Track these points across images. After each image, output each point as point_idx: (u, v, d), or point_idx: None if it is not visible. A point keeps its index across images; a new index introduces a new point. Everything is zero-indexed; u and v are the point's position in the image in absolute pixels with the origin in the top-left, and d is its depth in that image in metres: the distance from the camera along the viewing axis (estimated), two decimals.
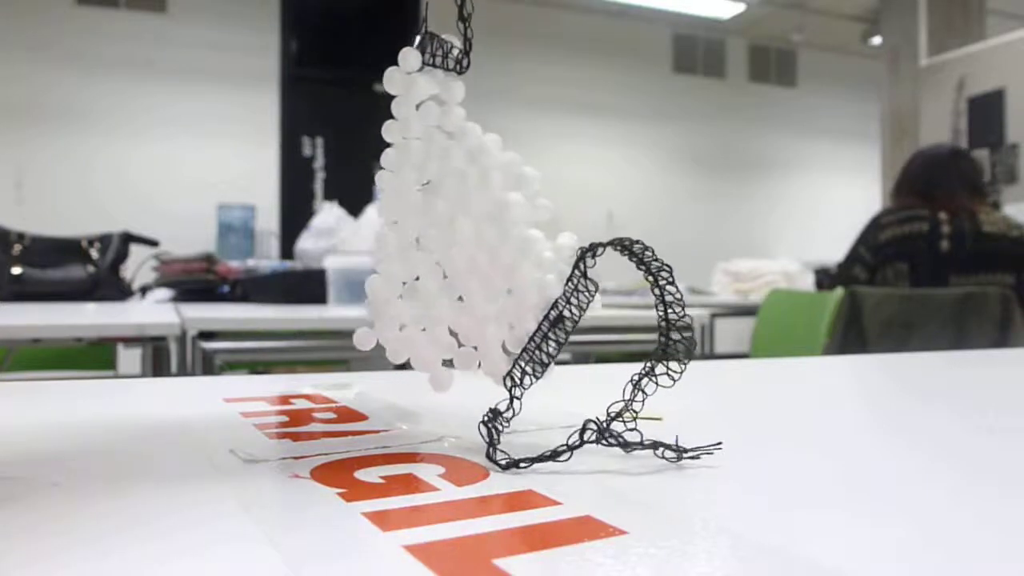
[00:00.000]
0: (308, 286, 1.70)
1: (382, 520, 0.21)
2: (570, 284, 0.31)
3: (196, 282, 1.90)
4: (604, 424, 0.29)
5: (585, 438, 0.28)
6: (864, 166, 7.91)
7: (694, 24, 7.42)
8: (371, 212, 2.12)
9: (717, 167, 7.83)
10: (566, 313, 0.31)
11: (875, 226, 2.02)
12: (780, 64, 8.18)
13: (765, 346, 2.45)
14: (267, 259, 3.24)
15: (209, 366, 1.17)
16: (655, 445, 0.28)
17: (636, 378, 0.29)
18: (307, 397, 0.43)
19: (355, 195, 3.58)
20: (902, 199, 2.03)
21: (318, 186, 4.77)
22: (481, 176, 0.33)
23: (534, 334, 0.31)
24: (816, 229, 7.96)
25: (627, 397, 0.30)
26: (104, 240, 2.16)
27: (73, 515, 0.22)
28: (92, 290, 2.08)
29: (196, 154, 5.81)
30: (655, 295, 0.30)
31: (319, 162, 4.79)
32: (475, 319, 0.33)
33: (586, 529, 0.21)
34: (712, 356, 2.89)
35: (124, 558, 0.19)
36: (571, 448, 0.28)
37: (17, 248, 2.07)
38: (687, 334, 0.29)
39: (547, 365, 0.31)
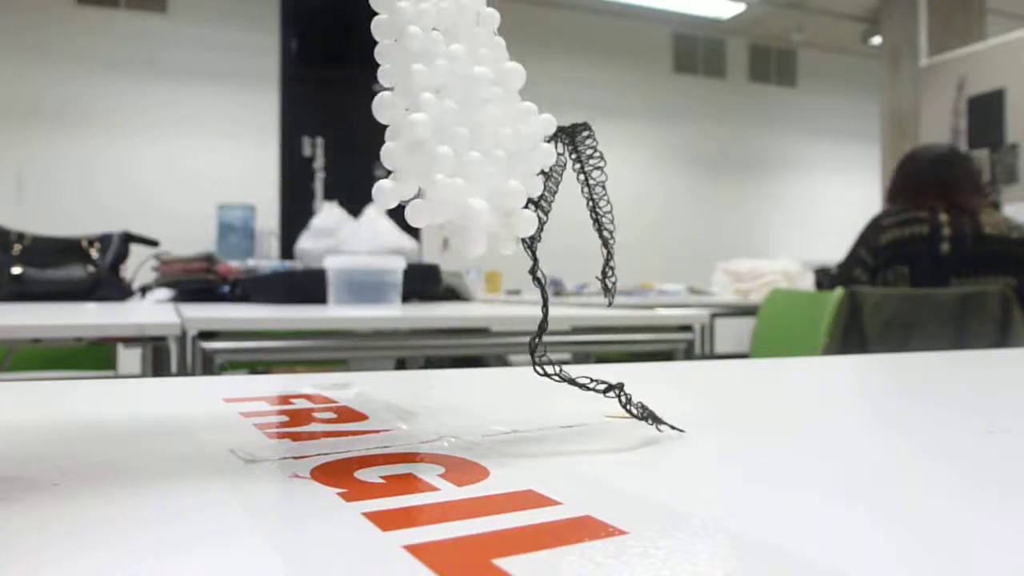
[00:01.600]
0: (308, 286, 1.70)
1: (382, 520, 0.21)
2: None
3: (196, 282, 1.90)
4: (626, 392, 0.32)
5: (608, 394, 0.32)
6: (864, 166, 7.92)
7: (694, 24, 7.42)
8: (371, 212, 2.13)
9: (717, 167, 7.83)
10: (548, 184, 0.33)
11: (875, 228, 2.02)
12: (780, 64, 8.19)
13: (765, 346, 2.45)
14: (267, 259, 3.25)
15: (209, 366, 1.17)
16: (647, 417, 0.32)
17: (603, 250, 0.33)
18: (307, 397, 0.43)
19: (355, 195, 3.59)
20: (902, 200, 2.03)
21: (318, 186, 4.77)
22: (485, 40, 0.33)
23: (529, 201, 0.32)
24: (816, 229, 7.96)
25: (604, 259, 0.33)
26: (104, 240, 2.16)
27: (73, 515, 0.22)
28: (92, 290, 2.08)
29: (196, 154, 5.81)
30: (579, 181, 0.33)
31: (319, 162, 4.79)
32: (496, 181, 0.31)
33: (586, 529, 0.21)
34: (712, 356, 2.89)
35: (124, 558, 0.19)
36: (591, 389, 0.32)
37: (17, 248, 2.07)
38: (608, 215, 0.32)
39: (541, 231, 0.32)
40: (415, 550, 0.19)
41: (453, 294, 2.04)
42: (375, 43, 0.32)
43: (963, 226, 1.91)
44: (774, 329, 2.45)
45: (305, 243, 2.11)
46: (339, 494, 0.24)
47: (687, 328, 1.47)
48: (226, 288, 1.91)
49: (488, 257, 0.34)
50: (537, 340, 0.31)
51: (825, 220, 7.98)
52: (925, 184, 1.99)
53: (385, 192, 0.30)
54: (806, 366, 0.69)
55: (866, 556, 0.19)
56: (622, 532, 0.20)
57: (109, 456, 0.30)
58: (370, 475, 0.26)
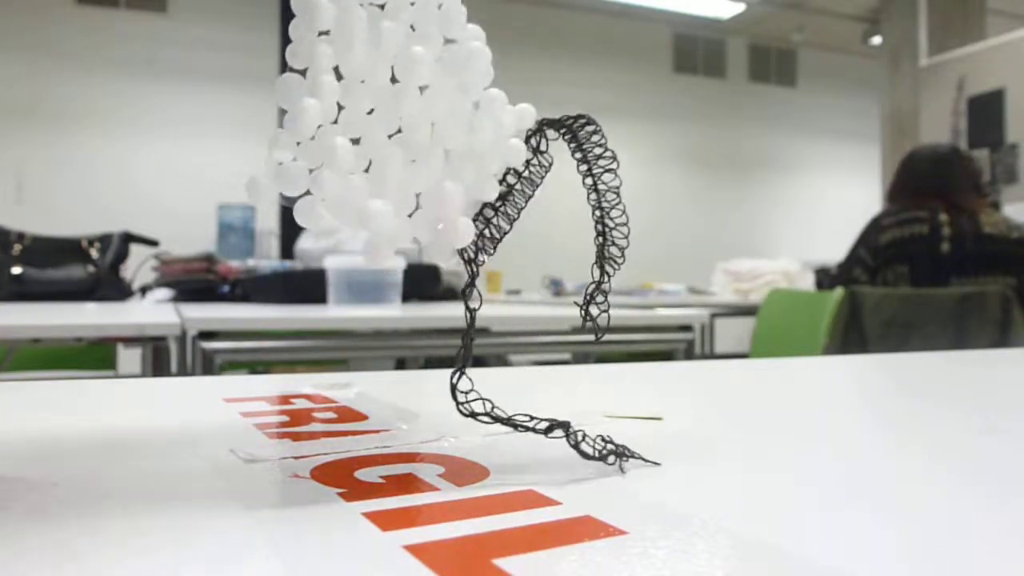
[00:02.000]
0: (308, 286, 1.70)
1: (382, 520, 0.21)
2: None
3: (196, 282, 1.90)
4: (574, 430, 0.27)
5: (550, 434, 0.27)
6: (864, 166, 7.92)
7: (694, 24, 7.42)
8: None
9: (717, 167, 7.83)
10: (518, 186, 0.28)
11: (875, 228, 2.02)
12: (780, 64, 8.19)
13: (765, 346, 2.45)
14: (267, 259, 3.24)
15: (209, 366, 1.17)
16: (604, 457, 0.27)
17: (597, 271, 0.28)
18: (307, 397, 0.43)
19: None
20: (903, 200, 2.03)
21: None
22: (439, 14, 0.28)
23: (484, 207, 0.28)
24: (816, 229, 7.96)
25: (593, 286, 0.28)
26: (104, 240, 2.16)
27: (72, 515, 0.22)
28: (92, 290, 2.08)
29: (196, 154, 5.81)
30: (586, 186, 0.27)
31: None
32: (427, 182, 0.27)
33: (586, 529, 0.21)
34: (712, 356, 2.89)
35: (123, 557, 0.19)
36: (529, 429, 0.27)
37: (17, 248, 2.07)
38: (622, 232, 0.27)
39: (498, 241, 0.28)
40: (415, 550, 0.19)
41: (453, 294, 2.04)
42: None
43: (963, 226, 1.91)
44: (774, 329, 2.45)
45: (305, 243, 2.11)
46: (339, 494, 0.24)
47: (687, 328, 1.47)
48: (226, 288, 1.91)
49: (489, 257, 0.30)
50: (457, 376, 0.27)
51: (825, 220, 7.98)
52: (925, 184, 1.99)
53: (258, 187, 0.26)
54: (806, 366, 0.69)
55: (866, 556, 0.19)
56: (622, 532, 0.20)
57: (109, 456, 0.30)
58: (370, 475, 0.26)
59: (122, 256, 2.17)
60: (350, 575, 0.18)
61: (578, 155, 0.28)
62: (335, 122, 0.27)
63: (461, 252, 0.27)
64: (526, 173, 0.28)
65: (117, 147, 5.66)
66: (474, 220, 0.27)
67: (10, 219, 2.26)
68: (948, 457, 0.32)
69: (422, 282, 1.88)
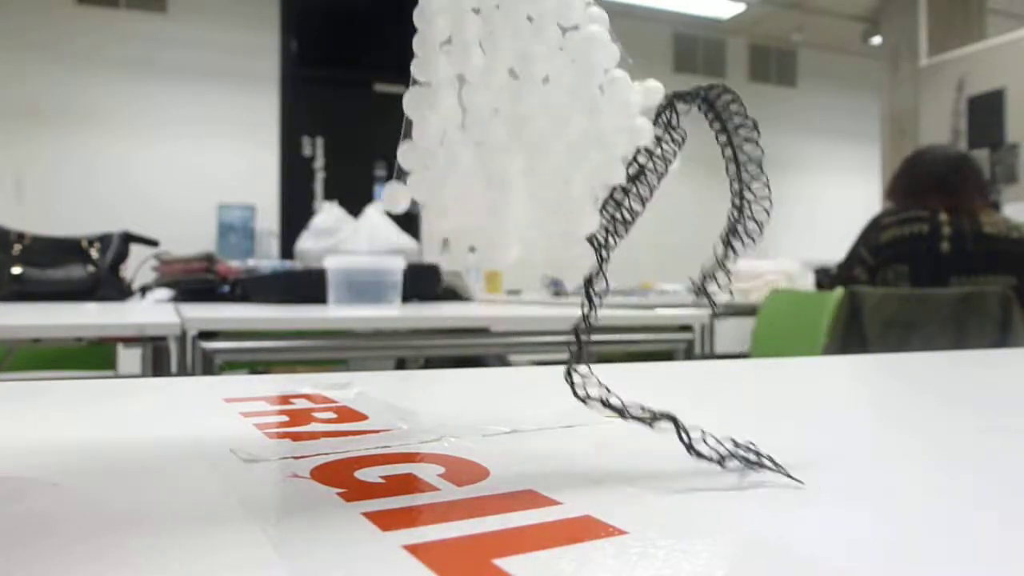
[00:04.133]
0: (308, 286, 1.70)
1: (382, 520, 0.21)
2: (655, 133, 0.27)
3: (196, 282, 1.90)
4: (683, 426, 0.26)
5: (656, 425, 0.26)
6: (864, 166, 7.92)
7: (694, 24, 7.42)
8: (371, 212, 2.12)
9: (717, 167, 7.79)
10: (649, 165, 0.27)
11: (875, 227, 2.02)
12: (780, 64, 8.19)
13: (765, 346, 2.45)
14: (267, 259, 3.24)
15: (209, 366, 1.17)
16: (723, 460, 0.25)
17: (721, 248, 0.26)
18: (307, 397, 0.43)
19: (355, 195, 3.59)
20: (903, 199, 2.03)
21: (318, 186, 4.78)
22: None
23: (615, 189, 0.26)
24: (816, 229, 7.96)
25: (715, 262, 0.26)
26: (104, 240, 2.16)
27: (72, 515, 0.22)
28: (92, 290, 2.08)
29: (196, 154, 5.81)
30: (725, 157, 0.26)
31: (319, 162, 4.79)
32: (549, 171, 0.26)
33: (586, 529, 0.21)
34: (712, 356, 2.89)
35: (123, 557, 0.19)
36: (639, 420, 0.26)
37: (17, 248, 2.07)
38: (764, 206, 0.25)
39: (631, 224, 0.26)
40: (415, 550, 0.19)
41: (453, 294, 2.04)
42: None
43: (963, 226, 1.91)
44: (774, 329, 2.45)
45: (305, 243, 2.11)
46: (339, 494, 0.24)
47: (687, 328, 1.47)
48: (226, 288, 1.91)
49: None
50: (573, 360, 0.26)
51: (825, 220, 7.98)
52: (930, 185, 1.98)
53: (394, 195, 0.26)
54: (806, 366, 0.69)
55: (866, 556, 0.19)
56: (622, 532, 0.20)
57: (109, 456, 0.30)
58: (370, 475, 0.26)
59: (122, 256, 2.17)
60: (350, 575, 0.18)
61: (716, 125, 0.26)
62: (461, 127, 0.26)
63: (591, 238, 0.26)
64: (657, 151, 0.27)
65: (117, 147, 5.66)
66: (604, 204, 0.26)
67: (10, 219, 2.26)
68: (948, 457, 0.32)
69: (422, 282, 1.88)
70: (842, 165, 8.43)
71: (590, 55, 0.27)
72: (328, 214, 2.15)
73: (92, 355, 2.24)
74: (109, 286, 2.10)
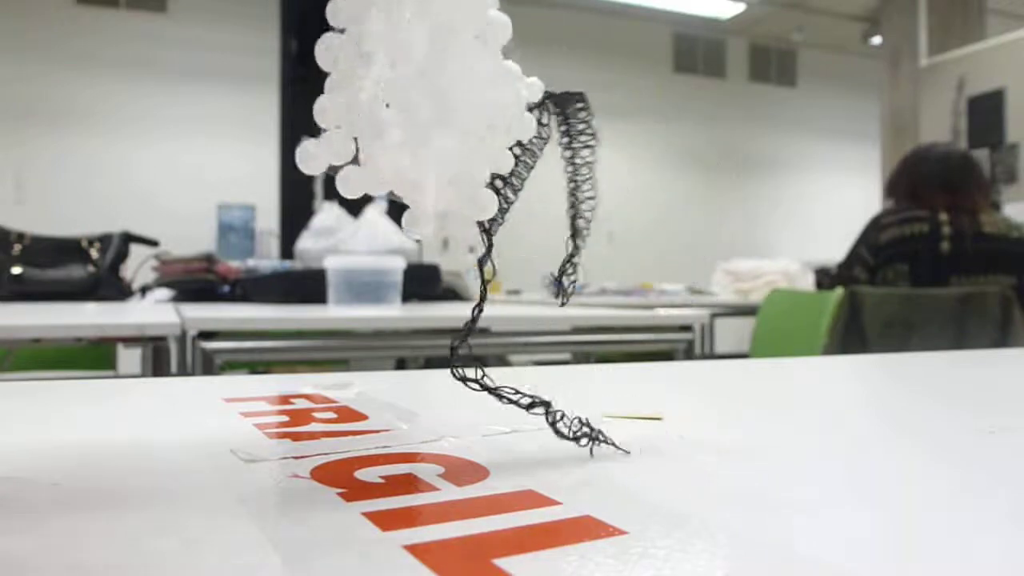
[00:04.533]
0: (308, 286, 1.70)
1: (382, 520, 0.21)
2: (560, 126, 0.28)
3: (196, 282, 1.90)
4: (554, 410, 0.28)
5: (532, 410, 0.28)
6: (864, 166, 7.92)
7: (694, 24, 7.42)
8: (371, 212, 2.12)
9: (717, 167, 7.83)
10: (522, 158, 0.28)
11: (875, 226, 2.02)
12: (780, 64, 8.19)
13: (765, 346, 2.45)
14: (267, 259, 3.24)
15: (209, 366, 1.17)
16: (578, 438, 0.28)
17: (569, 238, 0.29)
18: (307, 397, 0.43)
19: None
20: (903, 198, 2.02)
21: (318, 186, 4.78)
22: None
23: (494, 178, 0.28)
24: (816, 229, 7.96)
25: (565, 258, 0.29)
26: (104, 240, 2.16)
27: (72, 515, 0.22)
28: (92, 290, 2.08)
29: (196, 154, 5.81)
30: (563, 158, 0.28)
31: None
32: (460, 150, 0.26)
33: (586, 529, 0.21)
34: (712, 356, 2.89)
35: (123, 557, 0.19)
36: (512, 403, 0.27)
37: (17, 248, 2.07)
38: (589, 206, 0.28)
39: (506, 212, 0.28)
40: (415, 550, 0.19)
41: (453, 294, 2.04)
42: None
43: (963, 225, 1.91)
44: (774, 329, 2.45)
45: (305, 243, 2.11)
46: (339, 494, 0.24)
47: (687, 328, 1.47)
48: (226, 288, 1.90)
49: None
50: (458, 341, 0.27)
51: (825, 220, 7.98)
52: (933, 183, 1.98)
53: (309, 153, 0.26)
54: (806, 366, 0.69)
55: (866, 556, 0.19)
56: (622, 532, 0.20)
57: (109, 456, 0.30)
58: (370, 475, 0.26)
59: (122, 256, 2.17)
60: (350, 575, 0.18)
61: (563, 127, 0.28)
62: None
63: (479, 223, 0.27)
64: (528, 145, 0.28)
65: (117, 147, 5.66)
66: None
67: (10, 219, 2.26)
68: (948, 457, 0.32)
69: (422, 282, 1.88)
70: (842, 165, 8.43)
71: (499, 38, 0.27)
72: (328, 214, 2.15)
73: (92, 355, 2.24)
74: (109, 286, 2.10)
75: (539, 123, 0.28)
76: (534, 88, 0.28)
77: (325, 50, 0.26)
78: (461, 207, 0.27)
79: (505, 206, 0.27)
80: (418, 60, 0.26)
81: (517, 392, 0.28)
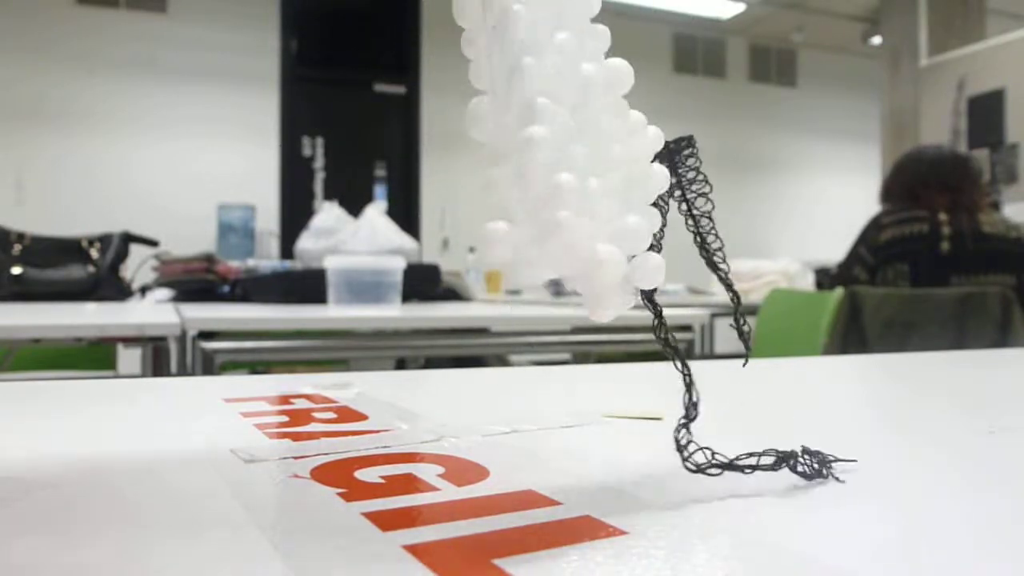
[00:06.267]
0: (308, 286, 1.70)
1: (382, 520, 0.21)
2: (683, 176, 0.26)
3: (196, 282, 1.90)
4: (806, 457, 0.26)
5: (779, 467, 0.26)
6: (864, 166, 7.91)
7: (694, 24, 7.42)
8: (371, 212, 2.12)
9: (717, 167, 7.83)
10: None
11: (875, 226, 2.02)
12: (780, 64, 8.18)
13: (765, 346, 2.45)
14: (267, 259, 3.24)
15: (209, 366, 1.17)
16: (815, 473, 0.26)
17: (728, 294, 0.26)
18: (307, 397, 0.43)
19: (355, 195, 3.58)
20: (900, 200, 2.02)
21: (318, 186, 4.78)
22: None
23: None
24: (816, 229, 7.96)
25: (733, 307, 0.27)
26: (104, 240, 2.16)
27: (72, 515, 0.22)
28: (92, 290, 2.08)
29: (196, 154, 5.81)
30: (681, 212, 0.26)
31: (319, 162, 4.79)
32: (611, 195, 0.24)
33: (586, 529, 0.21)
34: (712, 356, 2.89)
35: (123, 557, 0.19)
36: (756, 468, 0.25)
37: (17, 248, 2.07)
38: (720, 257, 0.26)
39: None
40: (415, 550, 0.19)
41: (453, 294, 2.04)
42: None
43: (962, 225, 1.91)
44: (774, 329, 2.45)
45: (305, 243, 2.11)
46: (339, 494, 0.24)
47: (687, 328, 1.47)
48: (226, 288, 1.90)
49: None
50: (685, 426, 0.25)
51: (825, 220, 7.98)
52: (930, 184, 1.98)
53: (499, 239, 0.22)
54: (806, 366, 0.69)
55: (867, 556, 0.19)
56: (622, 532, 0.20)
57: (109, 456, 0.30)
58: (370, 475, 0.26)
59: (122, 256, 2.16)
60: (350, 575, 0.18)
61: (673, 179, 0.26)
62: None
63: (643, 293, 0.25)
64: (660, 203, 0.26)
65: (117, 147, 5.66)
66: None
67: (10, 219, 2.26)
68: (949, 456, 0.32)
69: (422, 282, 1.88)
70: (842, 165, 8.43)
71: (621, 89, 0.25)
72: (328, 214, 2.15)
73: (92, 355, 2.24)
74: (109, 286, 2.10)
75: (680, 169, 0.26)
76: (657, 139, 0.26)
77: (476, 118, 0.24)
78: (635, 280, 0.24)
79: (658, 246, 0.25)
80: (568, 111, 0.23)
81: (752, 455, 0.26)
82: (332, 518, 0.22)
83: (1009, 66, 4.38)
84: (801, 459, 0.26)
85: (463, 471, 0.27)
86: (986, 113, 4.47)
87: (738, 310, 0.27)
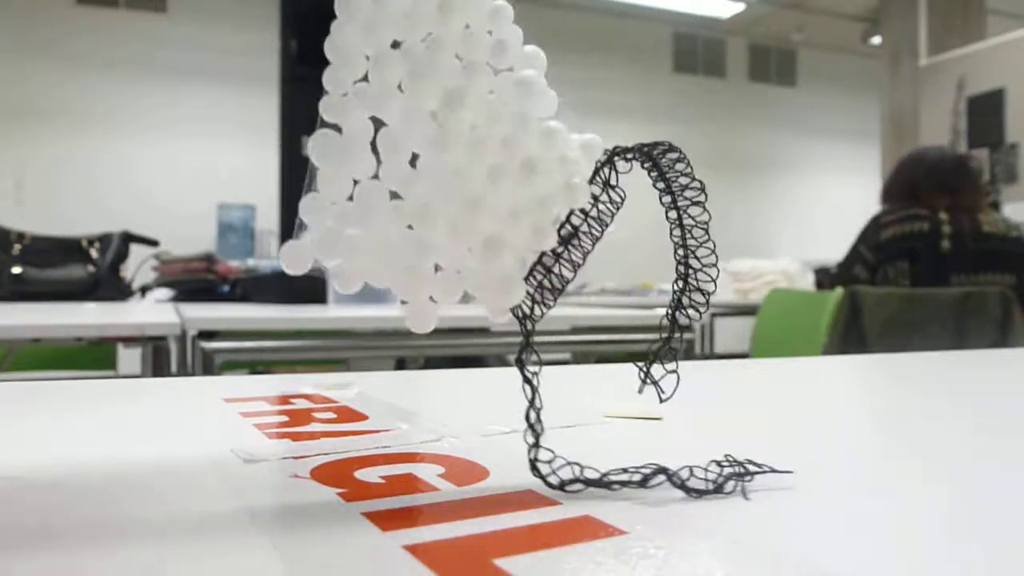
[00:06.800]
0: (308, 286, 1.70)
1: (382, 520, 0.21)
2: (592, 192, 0.24)
3: (196, 282, 1.90)
4: (673, 472, 0.24)
5: (650, 483, 0.24)
6: (864, 166, 7.92)
7: (694, 24, 7.42)
8: None
9: (717, 167, 7.83)
10: (583, 228, 0.24)
11: (875, 225, 2.02)
12: (780, 64, 8.19)
13: (765, 346, 2.45)
14: (267, 259, 3.24)
15: (209, 366, 1.17)
16: (720, 487, 0.24)
17: (667, 319, 0.25)
18: (307, 397, 0.43)
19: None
20: (900, 200, 2.02)
21: None
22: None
23: (543, 255, 0.24)
24: (816, 229, 7.96)
25: (658, 346, 0.25)
26: (104, 240, 2.16)
27: (72, 515, 0.22)
28: (92, 290, 2.08)
29: (196, 154, 5.81)
30: (669, 220, 0.24)
31: None
32: (477, 233, 0.23)
33: (586, 529, 0.21)
34: (712, 356, 2.89)
35: (123, 557, 0.19)
36: (626, 484, 0.24)
37: (17, 248, 2.07)
38: (710, 276, 0.24)
39: (560, 292, 0.24)
40: (415, 550, 0.19)
41: None
42: None
43: (962, 224, 1.92)
44: (774, 329, 2.45)
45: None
46: (339, 494, 0.24)
47: (687, 328, 1.47)
48: (226, 288, 1.90)
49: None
50: (533, 450, 0.23)
51: (825, 220, 7.98)
52: (930, 185, 1.98)
53: (296, 255, 0.23)
54: (806, 366, 0.69)
55: (867, 556, 0.19)
56: (622, 532, 0.20)
57: (109, 456, 0.30)
58: (370, 475, 0.26)
59: (122, 256, 2.16)
60: (350, 575, 0.18)
61: (660, 185, 0.24)
62: (375, 177, 0.24)
63: (513, 309, 0.24)
64: (594, 212, 0.24)
65: (117, 147, 5.66)
66: (532, 270, 0.24)
67: (10, 219, 2.26)
68: (948, 456, 0.32)
69: None
70: (842, 165, 8.43)
71: (524, 103, 0.24)
72: None
73: (92, 355, 2.24)
74: (109, 286, 2.10)
75: (608, 185, 0.25)
76: (591, 148, 0.24)
77: (319, 149, 0.24)
78: (482, 298, 0.24)
79: (559, 285, 0.24)
80: (420, 138, 0.23)
81: (625, 471, 0.24)
82: (332, 518, 0.22)
83: (1009, 66, 4.38)
84: (680, 474, 0.24)
85: (463, 471, 0.27)
86: (986, 113, 4.47)
87: (667, 343, 0.25)
